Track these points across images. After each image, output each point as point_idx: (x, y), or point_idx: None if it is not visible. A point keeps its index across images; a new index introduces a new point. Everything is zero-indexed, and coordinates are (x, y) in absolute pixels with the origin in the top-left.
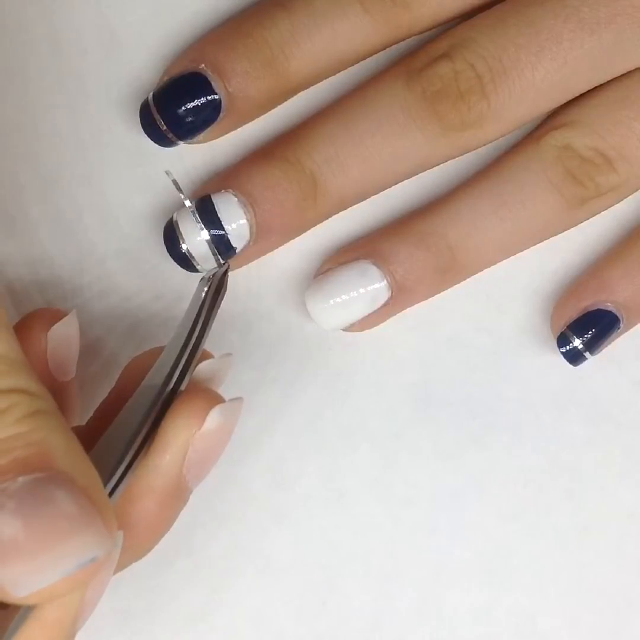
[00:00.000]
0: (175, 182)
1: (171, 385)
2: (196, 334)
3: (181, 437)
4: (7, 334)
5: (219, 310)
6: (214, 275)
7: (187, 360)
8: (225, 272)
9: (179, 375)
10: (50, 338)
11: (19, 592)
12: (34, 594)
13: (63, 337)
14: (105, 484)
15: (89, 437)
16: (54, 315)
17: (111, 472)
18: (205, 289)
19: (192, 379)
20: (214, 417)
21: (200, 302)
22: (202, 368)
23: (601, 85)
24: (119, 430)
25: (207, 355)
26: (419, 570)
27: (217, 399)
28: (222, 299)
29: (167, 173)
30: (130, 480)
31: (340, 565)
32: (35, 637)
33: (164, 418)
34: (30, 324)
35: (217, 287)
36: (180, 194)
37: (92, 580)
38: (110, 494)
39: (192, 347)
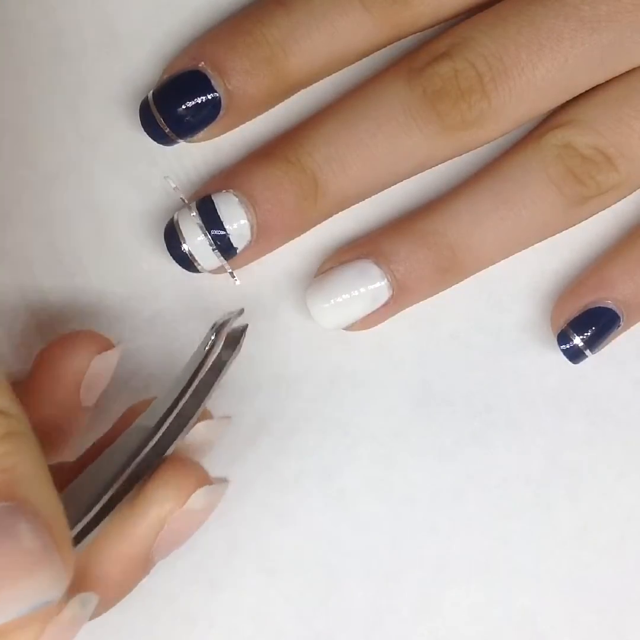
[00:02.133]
0: (177, 190)
1: (158, 436)
2: (195, 387)
3: (161, 511)
4: None
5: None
6: (223, 324)
7: (180, 415)
8: (244, 330)
9: (169, 431)
10: (94, 364)
11: None
12: None
13: (104, 366)
14: (75, 523)
15: (75, 475)
16: (103, 343)
17: (84, 512)
18: (213, 339)
19: (184, 441)
20: (198, 498)
21: (205, 353)
22: (198, 430)
23: (602, 83)
24: (100, 470)
25: (206, 414)
26: (418, 568)
27: (205, 479)
28: (235, 357)
29: (167, 179)
30: (101, 531)
31: (340, 564)
32: None
33: (147, 482)
34: (81, 343)
35: (232, 342)
36: (182, 200)
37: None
38: (80, 535)
39: (189, 402)
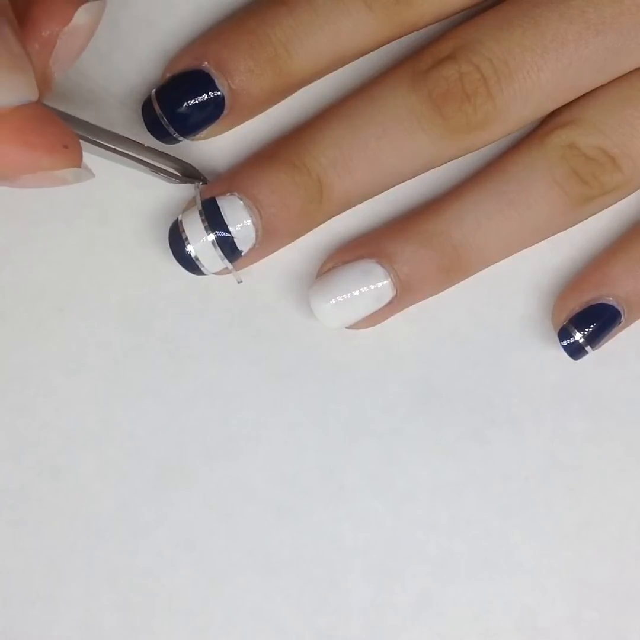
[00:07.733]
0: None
1: None
2: None
3: (51, 28)
4: None
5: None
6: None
7: None
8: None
9: None
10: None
11: None
12: None
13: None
14: None
15: None
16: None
17: None
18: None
19: None
20: (81, 15)
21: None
22: None
23: (606, 83)
24: None
25: None
26: (418, 565)
27: None
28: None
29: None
30: None
31: (340, 560)
32: None
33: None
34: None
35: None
36: (197, 203)
37: None
38: None
39: None
